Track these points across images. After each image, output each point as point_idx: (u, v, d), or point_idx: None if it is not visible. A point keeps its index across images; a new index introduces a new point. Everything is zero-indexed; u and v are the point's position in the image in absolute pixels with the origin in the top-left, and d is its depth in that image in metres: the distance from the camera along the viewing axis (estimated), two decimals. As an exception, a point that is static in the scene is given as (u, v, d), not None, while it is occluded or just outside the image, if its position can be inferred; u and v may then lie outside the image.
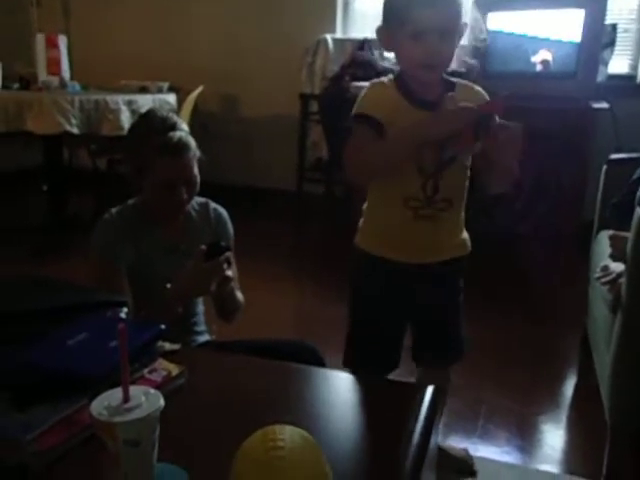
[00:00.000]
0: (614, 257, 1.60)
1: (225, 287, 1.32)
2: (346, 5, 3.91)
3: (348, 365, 1.33)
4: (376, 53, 3.40)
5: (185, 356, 1.00)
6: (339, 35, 3.81)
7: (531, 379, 2.05)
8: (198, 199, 1.46)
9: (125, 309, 1.07)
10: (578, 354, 2.11)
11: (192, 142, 1.36)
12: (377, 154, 1.14)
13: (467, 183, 1.25)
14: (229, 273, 1.30)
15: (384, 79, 1.20)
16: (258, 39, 4.01)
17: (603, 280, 1.53)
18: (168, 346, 1.02)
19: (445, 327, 1.33)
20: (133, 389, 0.67)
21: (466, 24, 1.13)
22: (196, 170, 1.37)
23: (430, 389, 0.97)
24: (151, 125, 1.36)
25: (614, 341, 1.39)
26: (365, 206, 1.30)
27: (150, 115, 1.40)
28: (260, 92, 4.05)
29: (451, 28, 1.09)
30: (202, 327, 1.50)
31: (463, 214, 1.28)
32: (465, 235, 1.30)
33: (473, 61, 1.24)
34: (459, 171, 1.21)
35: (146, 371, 0.90)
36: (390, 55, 1.25)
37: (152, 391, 0.69)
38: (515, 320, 2.50)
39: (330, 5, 3.85)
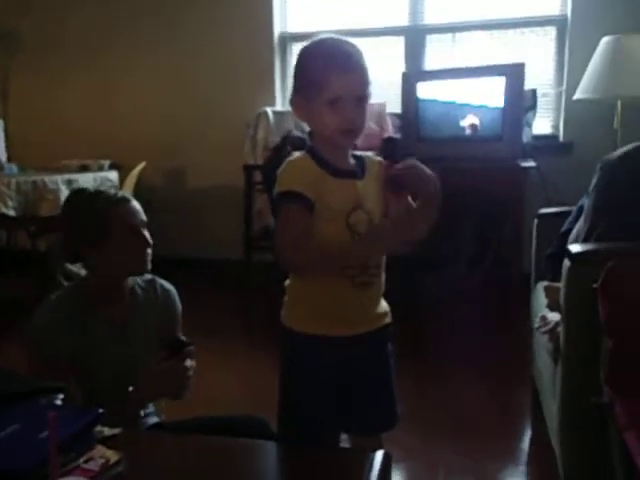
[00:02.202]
0: (551, 307, 1.66)
1: (186, 381, 1.31)
2: (283, 79, 4.07)
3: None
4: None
5: (125, 440, 0.96)
6: (279, 108, 3.95)
7: (487, 435, 2.04)
8: (144, 276, 1.43)
9: (61, 395, 1.03)
10: (530, 406, 2.13)
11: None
12: (319, 258, 1.10)
13: None
14: (189, 363, 1.29)
15: (298, 154, 1.18)
16: (200, 113, 4.09)
17: (542, 330, 1.58)
18: (107, 431, 0.98)
19: (378, 396, 1.26)
20: (64, 481, 0.64)
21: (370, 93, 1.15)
22: None
23: (380, 455, 0.95)
24: (95, 195, 1.36)
25: (558, 391, 1.41)
26: (290, 282, 1.21)
27: (84, 191, 1.40)
28: (204, 165, 4.09)
29: (365, 93, 1.13)
30: (150, 408, 1.45)
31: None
32: (385, 303, 1.25)
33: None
34: None
35: (82, 460, 0.86)
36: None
37: (85, 482, 0.66)
38: (465, 377, 2.49)
39: (269, 80, 4.00)
